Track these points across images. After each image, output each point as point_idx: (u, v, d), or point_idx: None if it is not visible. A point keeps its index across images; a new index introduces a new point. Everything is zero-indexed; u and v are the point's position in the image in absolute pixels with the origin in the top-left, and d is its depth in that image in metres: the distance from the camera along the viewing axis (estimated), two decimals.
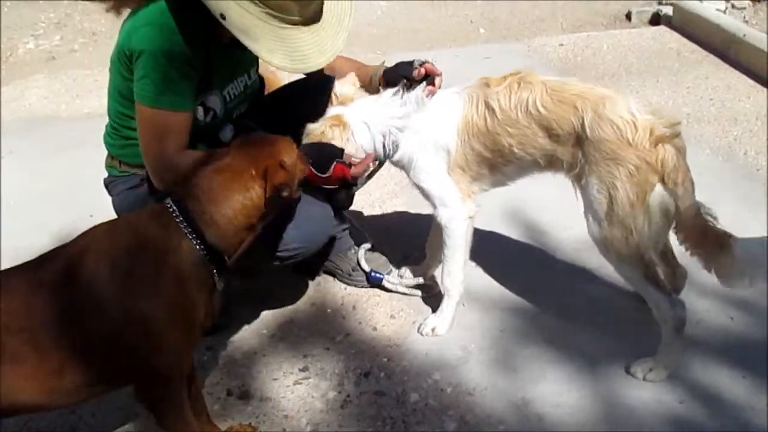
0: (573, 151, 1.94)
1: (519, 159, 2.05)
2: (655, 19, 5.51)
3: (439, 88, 2.19)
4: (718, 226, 1.95)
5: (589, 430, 1.91)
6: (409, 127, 2.13)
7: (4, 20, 6.56)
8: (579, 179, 1.97)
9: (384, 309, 2.45)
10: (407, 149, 2.17)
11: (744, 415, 1.91)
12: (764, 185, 2.99)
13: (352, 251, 2.57)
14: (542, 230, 2.80)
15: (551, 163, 2.02)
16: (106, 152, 2.26)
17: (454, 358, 2.19)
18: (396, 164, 2.25)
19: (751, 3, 5.63)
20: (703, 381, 2.03)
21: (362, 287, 2.55)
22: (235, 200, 1.53)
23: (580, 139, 1.90)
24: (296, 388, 2.13)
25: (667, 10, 5.39)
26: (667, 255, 2.19)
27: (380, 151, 2.15)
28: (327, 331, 2.36)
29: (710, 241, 1.93)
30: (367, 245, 2.57)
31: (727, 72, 4.21)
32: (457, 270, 2.25)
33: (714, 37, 4.60)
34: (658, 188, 1.83)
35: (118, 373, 1.57)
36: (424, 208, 2.71)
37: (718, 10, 5.18)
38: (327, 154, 1.98)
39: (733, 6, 5.57)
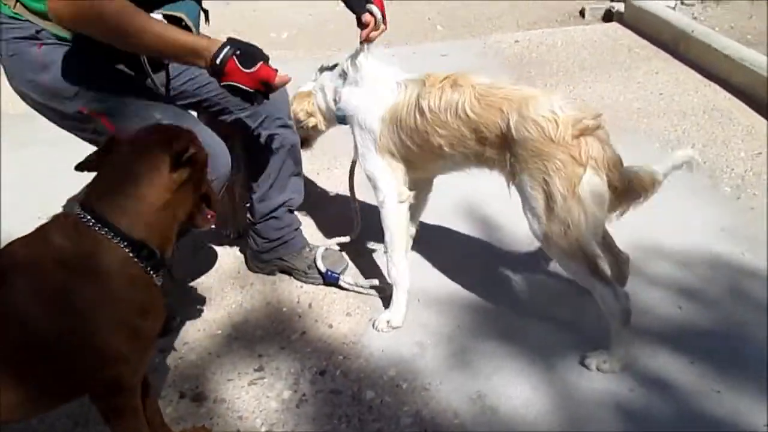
0: (501, 151, 1.99)
1: (450, 156, 2.10)
2: (608, 16, 5.61)
3: (380, 31, 2.26)
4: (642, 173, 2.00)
5: (541, 421, 1.93)
6: (346, 98, 2.27)
7: None
8: (512, 178, 2.02)
9: (340, 306, 2.44)
10: (348, 113, 2.27)
11: (693, 401, 1.96)
12: (711, 177, 3.07)
13: (307, 249, 2.56)
14: (496, 225, 2.82)
15: (483, 162, 2.08)
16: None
17: (410, 354, 2.20)
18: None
19: (699, 0, 5.78)
20: (653, 369, 2.07)
21: (319, 285, 2.53)
22: (149, 189, 1.48)
23: (507, 140, 1.95)
24: (251, 388, 2.10)
25: (619, 7, 5.49)
26: (608, 243, 2.23)
27: (332, 110, 2.34)
28: (282, 330, 2.34)
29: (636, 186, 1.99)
30: (333, 247, 2.55)
31: (677, 67, 4.30)
32: (398, 258, 2.27)
33: (664, 34, 4.70)
34: (586, 178, 1.88)
35: (71, 386, 1.51)
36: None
37: (668, 6, 5.30)
38: (255, 51, 1.85)
39: (682, 2, 5.70)
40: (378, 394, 2.05)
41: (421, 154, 2.16)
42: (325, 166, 3.35)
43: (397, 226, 2.26)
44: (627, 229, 2.24)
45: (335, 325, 2.35)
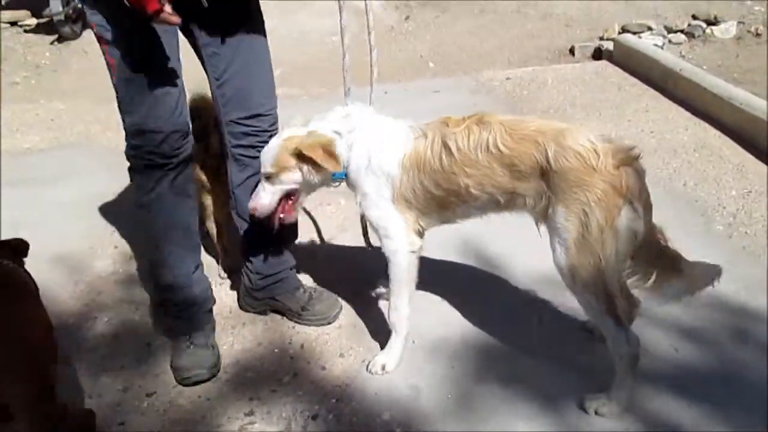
0: (536, 185, 1.95)
1: (475, 199, 2.05)
2: (597, 54, 5.71)
3: None
4: (672, 247, 2.01)
5: None
6: (354, 143, 2.15)
7: None
8: (544, 212, 1.97)
9: (333, 347, 2.40)
10: (353, 167, 2.16)
11: None
12: (703, 215, 3.08)
13: (300, 291, 2.53)
14: (494, 264, 2.81)
15: (510, 201, 2.03)
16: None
17: (404, 397, 2.16)
18: (349, 184, 2.23)
19: (686, 38, 5.89)
20: (652, 413, 2.04)
21: (312, 326, 2.50)
22: None
23: (544, 172, 1.92)
24: None
25: (608, 45, 5.59)
26: (622, 285, 2.17)
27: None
28: (274, 372, 2.30)
29: (665, 260, 1.99)
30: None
31: (666, 105, 4.35)
32: (402, 305, 2.24)
33: (653, 72, 4.77)
34: (624, 210, 1.86)
35: None
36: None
37: (656, 45, 5.40)
38: None
39: (669, 41, 5.82)
40: None
41: (443, 199, 2.10)
42: (317, 202, 3.34)
43: (405, 275, 2.21)
44: None
45: (328, 366, 2.31)
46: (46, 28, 6.96)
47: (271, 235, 2.43)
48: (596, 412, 2.02)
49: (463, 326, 2.45)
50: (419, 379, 2.23)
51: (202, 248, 2.94)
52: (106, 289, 2.79)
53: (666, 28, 6.05)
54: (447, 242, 2.82)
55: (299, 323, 2.51)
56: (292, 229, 2.53)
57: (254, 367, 2.33)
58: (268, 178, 2.19)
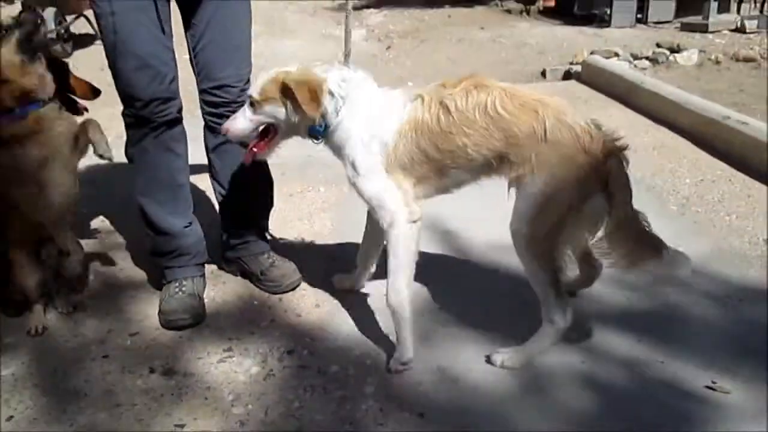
0: (527, 152, 1.95)
1: (471, 160, 2.03)
2: (567, 76, 6.04)
3: None
4: (653, 232, 2.07)
5: (499, 387, 2.03)
6: (347, 108, 2.06)
7: None
8: (522, 178, 1.98)
9: (309, 300, 2.53)
10: (342, 132, 2.08)
11: (639, 370, 2.09)
12: (659, 198, 3.30)
13: (265, 256, 2.62)
14: (455, 233, 2.99)
15: (501, 165, 2.02)
16: None
17: (375, 338, 2.28)
18: (332, 147, 2.16)
19: (651, 64, 6.24)
20: (603, 345, 2.20)
21: (268, 293, 2.58)
22: None
23: (538, 141, 1.93)
24: (220, 365, 2.17)
25: (578, 69, 5.92)
26: (588, 256, 2.28)
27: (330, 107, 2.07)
28: (253, 319, 2.42)
29: (643, 243, 2.02)
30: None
31: (629, 114, 4.64)
32: (403, 286, 2.07)
33: (617, 86, 5.08)
34: (597, 197, 1.94)
35: None
36: (349, 225, 2.83)
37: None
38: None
39: (635, 66, 6.16)
40: (343, 367, 2.13)
41: (440, 160, 2.04)
42: (297, 189, 3.51)
43: (407, 250, 2.05)
44: None
45: (304, 315, 2.44)
46: None
47: (242, 198, 2.56)
48: (501, 365, 2.10)
49: (432, 286, 2.56)
50: (390, 324, 2.34)
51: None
52: (93, 248, 2.90)
53: (632, 55, 6.41)
54: None
55: (259, 287, 2.60)
56: (265, 192, 2.65)
57: (234, 316, 2.45)
58: (252, 104, 2.10)
